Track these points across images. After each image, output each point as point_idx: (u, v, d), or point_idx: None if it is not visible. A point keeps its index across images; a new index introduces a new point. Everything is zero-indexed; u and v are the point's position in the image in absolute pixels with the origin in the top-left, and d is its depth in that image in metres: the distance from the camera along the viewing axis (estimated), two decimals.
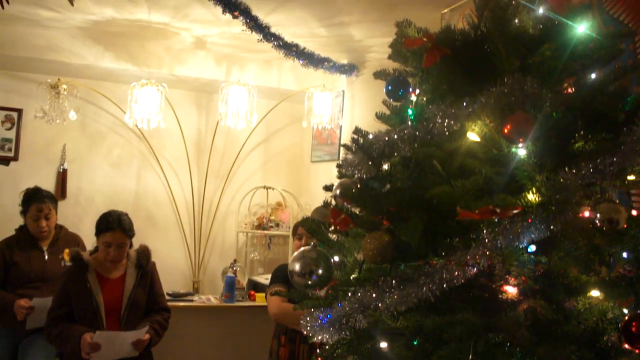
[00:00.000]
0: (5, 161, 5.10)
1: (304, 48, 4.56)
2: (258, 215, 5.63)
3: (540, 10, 1.93)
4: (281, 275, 3.98)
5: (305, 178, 5.84)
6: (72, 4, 1.97)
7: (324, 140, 5.59)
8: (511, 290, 1.61)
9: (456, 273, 1.54)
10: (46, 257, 4.31)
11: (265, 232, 5.47)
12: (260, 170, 5.85)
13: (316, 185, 5.60)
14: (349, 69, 5.06)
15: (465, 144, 1.74)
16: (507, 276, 1.62)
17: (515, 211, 1.56)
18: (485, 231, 1.55)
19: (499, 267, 1.59)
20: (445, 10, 3.82)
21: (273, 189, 5.58)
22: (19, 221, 4.39)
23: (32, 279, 4.21)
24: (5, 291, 4.17)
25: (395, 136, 1.82)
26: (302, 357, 3.84)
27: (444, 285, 1.54)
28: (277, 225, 5.46)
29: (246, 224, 5.57)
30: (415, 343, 1.75)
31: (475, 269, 1.54)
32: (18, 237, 4.33)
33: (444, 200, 1.66)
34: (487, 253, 1.53)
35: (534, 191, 1.60)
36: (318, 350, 3.75)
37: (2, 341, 4.22)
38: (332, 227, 1.89)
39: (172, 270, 5.35)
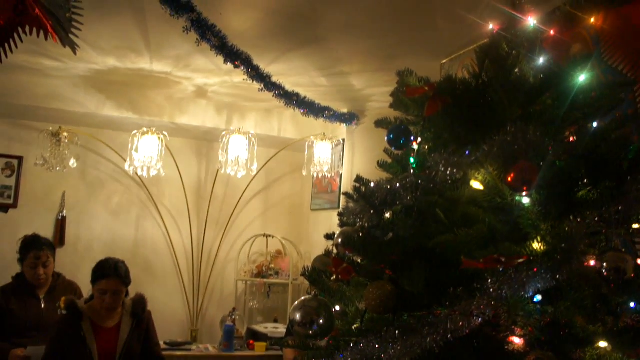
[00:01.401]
0: (4, 208, 5.08)
1: (305, 97, 4.59)
2: (257, 263, 5.59)
3: (541, 60, 1.95)
4: None
5: (305, 226, 5.82)
6: (74, 52, 1.98)
7: (324, 188, 5.58)
8: (517, 341, 1.58)
9: (461, 323, 1.51)
10: (43, 305, 4.26)
11: (265, 280, 5.42)
12: (260, 218, 5.83)
13: (316, 233, 5.57)
14: (349, 118, 5.09)
15: (468, 192, 1.73)
16: (513, 326, 1.59)
17: (520, 260, 1.54)
18: (490, 280, 1.53)
19: (504, 317, 1.56)
20: (445, 61, 3.86)
21: (273, 237, 5.55)
22: (16, 269, 4.34)
23: (28, 328, 4.15)
24: (1, 340, 4.11)
25: (398, 184, 1.81)
26: None
27: (449, 336, 1.52)
28: (277, 273, 5.41)
29: (245, 272, 5.53)
30: None
31: (480, 319, 1.51)
32: (15, 284, 4.29)
33: (448, 249, 1.65)
34: (492, 303, 1.51)
35: (539, 240, 1.58)
36: None
37: None
38: (334, 277, 1.86)
39: (170, 318, 5.28)
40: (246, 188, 5.52)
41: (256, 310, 5.58)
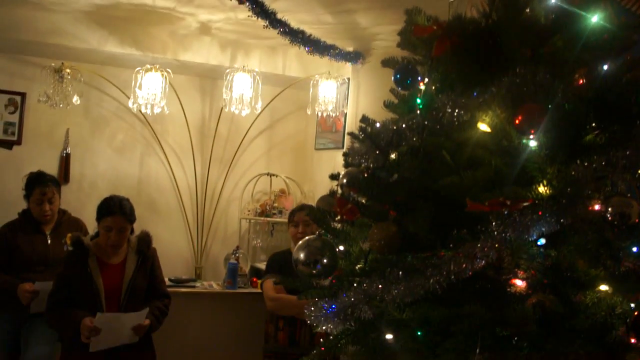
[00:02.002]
0: (9, 145, 5.07)
1: (310, 35, 4.52)
2: (261, 202, 5.60)
3: (552, 0, 1.90)
4: (276, 264, 3.98)
5: (309, 165, 5.81)
6: None
7: (328, 128, 5.56)
8: (520, 284, 1.59)
9: (464, 265, 1.52)
10: (49, 241, 4.30)
11: (269, 219, 5.44)
12: (264, 157, 5.82)
13: (320, 172, 5.58)
14: (354, 57, 5.02)
15: (475, 134, 1.72)
16: (515, 269, 1.60)
17: (525, 204, 1.54)
18: (494, 223, 1.53)
19: (507, 260, 1.57)
20: None
21: (276, 176, 5.56)
22: (22, 205, 4.37)
23: (35, 263, 4.21)
24: (8, 275, 4.17)
25: (404, 125, 1.80)
26: (303, 340, 3.83)
27: (452, 278, 1.53)
28: (280, 212, 5.43)
29: (249, 211, 5.55)
30: (420, 334, 1.73)
31: (483, 262, 1.52)
32: (21, 221, 4.33)
33: (453, 192, 1.64)
34: (496, 245, 1.51)
35: (545, 184, 1.58)
36: (319, 333, 3.76)
37: (5, 325, 4.22)
38: (338, 217, 1.87)
39: (174, 256, 5.33)
40: (250, 126, 5.49)
41: (260, 249, 5.63)
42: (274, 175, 5.58)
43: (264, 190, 5.69)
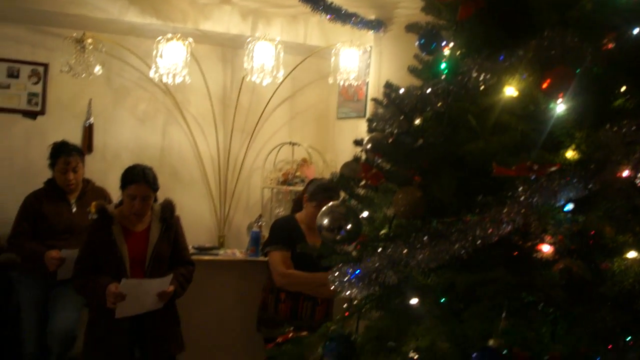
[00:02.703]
0: (33, 115, 5.11)
1: (332, 3, 4.48)
2: (283, 171, 5.61)
3: None
4: (281, 232, 3.92)
5: (330, 135, 5.80)
6: None
7: (350, 97, 5.53)
8: (546, 249, 1.57)
9: (490, 230, 1.51)
10: (74, 210, 4.37)
11: (291, 188, 5.45)
12: (286, 127, 5.82)
13: (342, 142, 5.56)
14: (376, 25, 4.97)
15: (501, 99, 1.69)
16: (542, 235, 1.59)
17: (552, 168, 1.52)
18: (520, 188, 1.51)
19: (534, 226, 1.56)
20: None
21: (299, 145, 5.55)
22: (47, 174, 4.43)
23: (60, 231, 4.28)
24: (35, 242, 4.25)
25: (428, 90, 1.78)
26: (304, 314, 3.84)
27: (477, 243, 1.52)
28: (302, 181, 5.42)
29: (271, 180, 5.57)
30: (443, 301, 1.73)
31: (509, 227, 1.51)
32: (46, 189, 4.39)
33: (479, 157, 1.63)
34: (523, 211, 1.50)
35: (573, 148, 1.56)
36: (319, 308, 3.75)
37: (33, 291, 4.32)
38: (363, 182, 1.86)
39: (198, 225, 5.37)
40: (272, 96, 5.47)
41: None
42: (296, 144, 5.57)
43: (286, 160, 5.68)
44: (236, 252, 4.86)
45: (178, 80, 4.73)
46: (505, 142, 1.58)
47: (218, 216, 5.45)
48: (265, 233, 4.99)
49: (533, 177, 1.51)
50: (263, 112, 5.53)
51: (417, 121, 1.81)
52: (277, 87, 5.38)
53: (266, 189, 5.65)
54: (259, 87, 5.34)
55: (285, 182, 5.50)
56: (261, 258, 4.69)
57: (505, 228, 1.51)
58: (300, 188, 5.39)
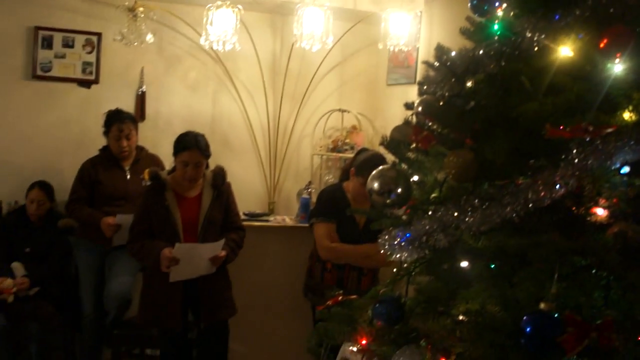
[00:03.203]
0: (87, 84, 5.21)
1: None
2: (333, 138, 5.60)
3: None
4: (328, 206, 3.90)
5: (380, 101, 5.75)
6: None
7: (400, 63, 5.46)
8: (601, 213, 1.55)
9: (542, 193, 1.49)
10: (128, 176, 4.47)
11: (340, 154, 5.45)
12: (336, 94, 5.79)
13: (391, 108, 5.51)
14: None
15: (556, 59, 1.65)
16: (597, 198, 1.56)
17: (608, 130, 1.48)
18: (575, 151, 1.48)
19: (588, 189, 1.53)
20: None
21: (348, 112, 5.53)
22: (102, 141, 4.53)
23: (116, 198, 4.39)
24: (92, 208, 4.37)
25: (481, 52, 1.75)
26: (350, 284, 3.84)
27: (529, 206, 1.50)
28: (352, 148, 5.42)
29: (321, 147, 5.57)
30: (494, 265, 1.72)
31: (563, 190, 1.48)
32: (101, 157, 4.50)
33: (532, 119, 1.60)
34: (577, 173, 1.47)
35: (630, 109, 1.52)
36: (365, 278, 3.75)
37: (91, 255, 4.45)
38: (413, 145, 1.85)
39: (249, 191, 5.42)
40: (321, 62, 5.45)
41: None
42: (345, 111, 5.55)
43: (335, 127, 5.67)
44: (286, 218, 4.90)
45: (228, 47, 4.74)
46: (560, 103, 1.55)
47: (268, 183, 5.50)
48: (315, 199, 5.03)
49: (588, 139, 1.48)
50: (312, 78, 5.52)
51: (469, 83, 1.78)
52: (327, 54, 5.35)
53: (316, 156, 5.66)
54: (308, 54, 5.32)
55: (335, 149, 5.50)
56: None
57: (559, 191, 1.48)
58: (349, 155, 5.39)
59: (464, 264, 1.72)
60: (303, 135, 5.69)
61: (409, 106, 2.01)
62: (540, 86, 1.66)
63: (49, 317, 4.36)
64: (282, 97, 5.46)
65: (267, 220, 4.81)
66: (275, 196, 5.51)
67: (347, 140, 5.49)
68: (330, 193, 3.99)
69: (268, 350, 4.65)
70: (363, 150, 4.05)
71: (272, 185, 5.49)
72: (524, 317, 1.43)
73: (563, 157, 1.50)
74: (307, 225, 4.57)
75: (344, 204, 3.76)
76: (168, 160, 4.07)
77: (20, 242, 4.53)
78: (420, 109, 1.89)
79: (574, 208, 1.57)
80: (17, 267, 4.39)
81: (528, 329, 1.41)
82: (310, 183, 5.08)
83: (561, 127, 1.47)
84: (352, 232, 3.80)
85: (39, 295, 4.39)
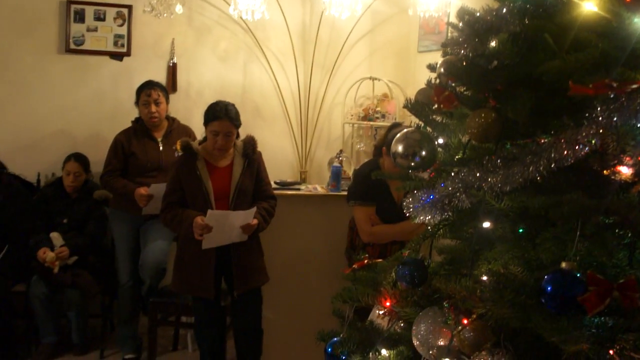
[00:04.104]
0: (119, 57, 5.26)
1: None
2: (364, 106, 5.58)
3: None
4: (365, 188, 3.84)
5: (411, 68, 5.70)
6: None
7: (431, 29, 5.40)
8: (625, 171, 1.52)
9: (565, 152, 1.47)
10: (161, 148, 4.52)
11: (371, 123, 5.44)
12: (366, 61, 5.75)
13: (422, 75, 5.38)
14: None
15: (580, 15, 1.61)
16: (621, 156, 1.53)
17: (634, 86, 1.45)
18: (599, 108, 1.46)
19: (612, 147, 1.50)
20: None
21: (379, 80, 5.50)
22: (135, 114, 4.59)
23: (149, 169, 4.45)
24: (126, 180, 4.44)
25: (504, 10, 1.72)
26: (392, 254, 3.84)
27: (552, 165, 1.48)
28: (383, 116, 5.40)
29: (352, 116, 5.56)
30: (518, 226, 1.71)
31: (586, 148, 1.46)
32: (134, 128, 4.55)
33: (555, 76, 1.57)
34: (600, 131, 1.45)
35: None
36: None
37: (126, 225, 4.54)
38: (435, 106, 1.83)
39: (280, 161, 5.46)
40: (351, 30, 5.41)
41: (363, 153, 5.65)
42: (376, 79, 5.52)
43: (366, 95, 5.65)
44: (317, 187, 4.91)
45: (257, 16, 4.73)
46: (584, 60, 1.51)
47: (299, 152, 5.51)
48: (347, 168, 5.03)
49: (612, 96, 1.45)
50: (343, 47, 5.49)
51: (493, 43, 1.75)
52: (357, 21, 5.31)
53: (347, 124, 5.65)
54: (338, 22, 5.30)
55: (366, 117, 5.48)
56: (342, 192, 4.73)
57: (582, 149, 1.46)
58: (380, 123, 5.38)
59: (487, 225, 1.71)
60: (334, 104, 5.67)
61: (432, 67, 1.99)
62: (564, 43, 1.63)
63: (87, 285, 4.48)
64: (312, 66, 5.45)
65: (298, 189, 4.83)
66: (307, 165, 5.53)
67: (378, 109, 5.47)
68: (366, 173, 3.96)
69: (300, 317, 4.69)
70: (395, 125, 4.02)
71: (304, 154, 5.50)
72: (545, 276, 1.42)
73: (587, 115, 1.47)
74: (337, 193, 4.59)
75: (380, 183, 3.70)
76: (200, 131, 4.10)
77: (57, 213, 4.65)
78: (442, 69, 1.87)
79: (597, 167, 1.54)
80: (56, 237, 4.51)
81: (549, 288, 1.40)
82: (341, 152, 5.07)
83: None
84: (391, 209, 3.79)
85: (78, 265, 4.51)
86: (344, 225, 4.19)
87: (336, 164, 4.85)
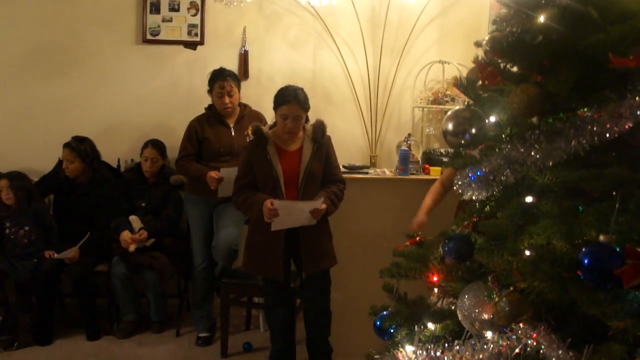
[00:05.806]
0: (193, 45, 5.42)
1: None
2: (434, 90, 5.54)
3: None
4: None
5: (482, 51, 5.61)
6: None
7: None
8: None
9: (608, 125, 1.46)
10: (233, 133, 4.64)
11: (441, 106, 5.38)
12: (436, 45, 5.69)
13: None
14: None
15: None
16: None
17: None
18: None
19: None
20: None
21: (449, 64, 5.44)
22: (208, 100, 4.73)
23: (222, 154, 4.58)
24: (199, 164, 4.59)
25: None
26: None
27: (595, 139, 1.48)
28: (453, 100, 5.34)
29: (422, 99, 5.52)
30: (563, 200, 1.69)
31: (630, 122, 1.44)
32: (208, 115, 4.70)
33: (599, 49, 1.55)
34: None
35: None
36: None
37: (199, 209, 4.69)
38: (479, 82, 1.84)
39: (350, 145, 5.49)
40: (421, 13, 5.38)
41: (433, 137, 5.62)
42: (446, 62, 5.46)
43: (436, 79, 5.60)
44: (385, 170, 4.93)
45: (324, 2, 4.77)
46: (626, 31, 1.49)
47: (369, 136, 5.53)
48: (415, 152, 5.02)
49: None
50: (412, 30, 5.46)
51: (539, 18, 1.74)
52: (426, 4, 5.28)
53: (417, 108, 5.63)
54: (407, 5, 5.27)
55: (436, 101, 5.44)
56: (410, 176, 4.75)
57: (625, 123, 1.44)
58: (450, 107, 5.32)
59: (529, 199, 1.71)
60: (404, 88, 5.65)
61: (478, 44, 2.00)
62: (611, 17, 1.60)
63: (164, 267, 4.68)
64: (381, 50, 5.45)
65: (366, 173, 4.86)
66: (377, 149, 5.55)
67: (448, 92, 5.42)
68: None
69: (369, 300, 4.72)
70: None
71: (374, 138, 5.52)
72: (583, 249, 1.42)
73: (630, 87, 1.46)
74: (406, 177, 4.60)
75: None
76: (271, 116, 4.18)
77: (136, 197, 4.86)
78: (488, 46, 1.87)
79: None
80: (135, 220, 4.72)
81: (586, 261, 1.40)
82: (409, 135, 5.06)
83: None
84: None
85: (155, 247, 4.70)
86: (413, 208, 4.20)
87: (404, 147, 4.85)
